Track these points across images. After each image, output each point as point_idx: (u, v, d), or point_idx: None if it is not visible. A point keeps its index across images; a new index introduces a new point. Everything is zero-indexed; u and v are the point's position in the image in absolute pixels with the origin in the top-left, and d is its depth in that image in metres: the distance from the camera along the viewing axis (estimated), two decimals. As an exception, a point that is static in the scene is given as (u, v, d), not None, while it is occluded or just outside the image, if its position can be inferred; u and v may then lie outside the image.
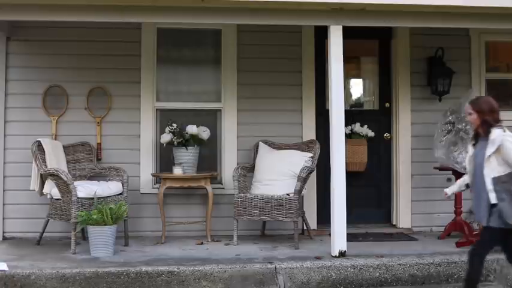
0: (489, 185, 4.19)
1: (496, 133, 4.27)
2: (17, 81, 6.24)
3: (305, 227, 6.21)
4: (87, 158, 6.18)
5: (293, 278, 4.89)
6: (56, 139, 6.12)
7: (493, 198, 4.16)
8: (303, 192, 5.90)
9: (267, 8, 5.14)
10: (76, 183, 5.54)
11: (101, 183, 5.82)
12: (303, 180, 5.73)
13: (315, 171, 6.19)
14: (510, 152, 4.18)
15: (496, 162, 4.23)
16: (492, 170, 4.22)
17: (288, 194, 5.70)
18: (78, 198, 5.41)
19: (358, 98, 7.25)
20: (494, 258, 5.09)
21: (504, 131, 4.30)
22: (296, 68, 6.53)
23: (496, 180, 4.19)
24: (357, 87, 7.31)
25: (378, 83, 6.98)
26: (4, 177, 6.17)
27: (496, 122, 4.37)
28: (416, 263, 5.04)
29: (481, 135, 4.36)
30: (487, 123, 4.34)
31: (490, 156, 4.23)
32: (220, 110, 6.50)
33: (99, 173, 6.10)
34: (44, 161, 5.65)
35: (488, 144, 4.26)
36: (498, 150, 4.21)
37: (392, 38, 6.81)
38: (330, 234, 5.39)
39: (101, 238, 5.25)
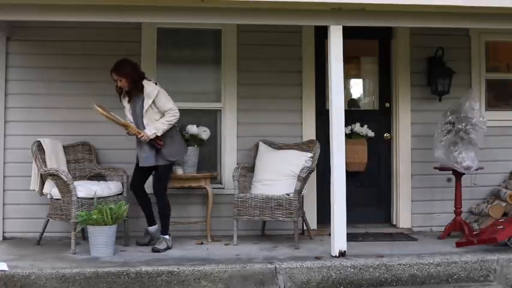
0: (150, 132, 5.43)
1: (150, 87, 5.45)
2: (17, 81, 6.24)
3: (305, 227, 6.21)
4: (87, 158, 6.18)
5: (293, 278, 4.89)
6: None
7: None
8: (303, 192, 5.90)
9: (267, 8, 5.14)
10: (76, 183, 5.54)
11: (101, 183, 5.82)
12: (303, 180, 5.73)
13: (315, 171, 6.19)
14: (163, 101, 5.46)
15: (152, 112, 5.45)
16: (149, 118, 5.46)
17: (288, 194, 5.71)
18: (78, 198, 5.41)
19: (358, 98, 7.25)
20: (495, 258, 5.10)
21: (156, 83, 5.51)
22: (296, 68, 6.53)
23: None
24: (357, 87, 7.31)
25: (377, 83, 6.98)
26: (4, 177, 6.18)
27: (142, 76, 5.54)
28: (416, 263, 5.04)
29: (134, 93, 5.48)
30: (138, 81, 5.46)
31: (147, 108, 5.43)
32: (220, 110, 6.51)
33: (99, 173, 6.10)
34: (44, 161, 5.65)
35: (145, 98, 5.43)
36: (154, 101, 5.42)
37: (392, 38, 6.82)
38: (330, 234, 5.39)
39: (101, 238, 5.25)
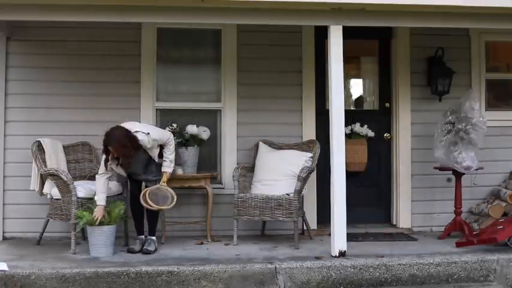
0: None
1: (144, 140, 5.32)
2: (17, 81, 6.24)
3: (305, 227, 6.21)
4: (87, 158, 6.18)
5: (293, 278, 4.89)
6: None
7: None
8: (303, 192, 5.89)
9: (267, 8, 5.14)
10: (76, 183, 5.54)
11: (101, 183, 5.81)
12: (303, 180, 5.73)
13: (315, 171, 6.19)
14: (160, 135, 5.51)
15: (155, 150, 5.52)
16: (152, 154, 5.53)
17: (288, 194, 5.71)
18: (78, 198, 5.41)
19: (358, 98, 7.25)
20: (495, 258, 5.10)
21: (138, 131, 5.33)
22: (296, 68, 6.53)
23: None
24: (357, 87, 7.31)
25: (377, 83, 6.98)
26: (4, 177, 6.17)
27: (135, 139, 5.29)
28: (416, 263, 5.04)
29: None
30: (134, 148, 5.30)
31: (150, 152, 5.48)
32: (220, 110, 6.50)
33: (99, 173, 6.10)
34: (44, 161, 5.65)
35: (143, 150, 5.38)
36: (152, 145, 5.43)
37: (392, 38, 6.81)
38: (330, 234, 5.39)
39: (101, 238, 5.25)
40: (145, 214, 5.61)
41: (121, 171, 5.53)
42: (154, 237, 5.54)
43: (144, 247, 5.44)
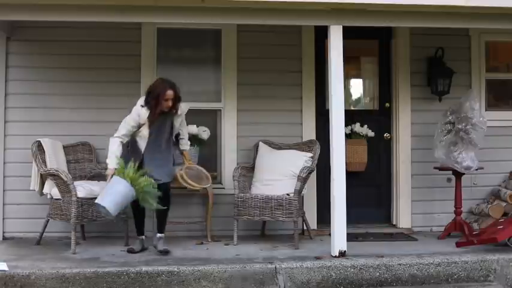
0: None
1: (182, 104, 5.44)
2: (17, 81, 6.24)
3: (305, 227, 6.21)
4: (87, 158, 6.18)
5: (293, 278, 4.89)
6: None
7: None
8: (303, 192, 5.90)
9: (267, 8, 5.14)
10: (76, 183, 5.54)
11: (101, 183, 5.80)
12: (303, 180, 5.73)
13: (315, 171, 6.19)
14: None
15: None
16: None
17: (288, 194, 5.71)
18: (78, 198, 5.41)
19: (358, 98, 7.26)
20: (495, 258, 5.10)
21: None
22: (296, 68, 6.53)
23: None
24: (357, 87, 7.31)
25: (377, 83, 6.97)
26: (4, 177, 6.18)
27: None
28: (416, 263, 5.04)
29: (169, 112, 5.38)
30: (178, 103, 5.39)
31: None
32: (220, 110, 6.51)
33: (99, 173, 6.09)
34: (44, 161, 5.65)
35: (175, 116, 5.45)
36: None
37: (392, 38, 6.81)
38: (330, 234, 5.39)
39: (118, 188, 5.02)
40: (154, 213, 5.60)
41: (145, 134, 5.33)
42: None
43: (163, 248, 5.35)
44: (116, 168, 5.16)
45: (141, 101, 5.37)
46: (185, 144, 5.75)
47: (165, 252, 5.31)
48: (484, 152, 6.21)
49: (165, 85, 5.29)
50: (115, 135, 5.31)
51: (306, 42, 6.55)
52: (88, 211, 5.46)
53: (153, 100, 5.27)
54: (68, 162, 6.03)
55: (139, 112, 5.32)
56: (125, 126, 5.31)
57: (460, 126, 5.96)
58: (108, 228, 6.04)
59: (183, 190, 6.06)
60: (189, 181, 5.44)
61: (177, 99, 5.34)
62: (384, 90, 6.90)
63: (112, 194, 5.04)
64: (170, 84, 5.31)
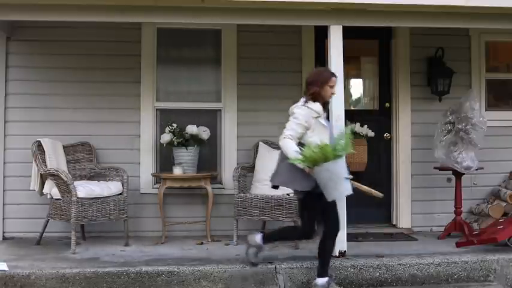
0: None
1: None
2: (17, 81, 6.24)
3: (305, 227, 6.20)
4: (87, 158, 6.18)
5: (293, 278, 4.89)
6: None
7: None
8: (303, 192, 5.88)
9: (267, 8, 5.14)
10: (76, 183, 5.54)
11: (101, 183, 5.82)
12: (303, 180, 5.71)
13: (315, 171, 6.18)
14: None
15: None
16: None
17: (288, 194, 5.70)
18: (78, 198, 5.41)
19: (358, 98, 7.25)
20: (495, 258, 5.10)
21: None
22: (296, 68, 6.53)
23: None
24: (357, 87, 7.31)
25: (377, 83, 6.97)
26: (4, 177, 6.18)
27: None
28: (416, 262, 5.04)
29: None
30: None
31: None
32: (220, 110, 6.50)
33: (99, 173, 6.09)
34: (44, 161, 5.65)
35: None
36: None
37: (392, 38, 6.81)
38: (330, 234, 5.38)
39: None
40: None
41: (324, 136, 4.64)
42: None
43: None
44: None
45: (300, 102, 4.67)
46: None
47: None
48: (484, 152, 6.21)
49: (328, 72, 4.74)
50: (287, 134, 4.59)
51: (306, 42, 6.56)
52: (88, 211, 5.46)
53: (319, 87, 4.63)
54: (68, 162, 6.03)
55: (294, 123, 4.61)
56: (290, 130, 4.61)
57: (460, 126, 5.96)
58: (108, 228, 6.04)
59: (183, 190, 6.08)
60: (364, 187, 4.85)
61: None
62: (384, 90, 6.90)
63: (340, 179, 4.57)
64: (331, 72, 4.77)
